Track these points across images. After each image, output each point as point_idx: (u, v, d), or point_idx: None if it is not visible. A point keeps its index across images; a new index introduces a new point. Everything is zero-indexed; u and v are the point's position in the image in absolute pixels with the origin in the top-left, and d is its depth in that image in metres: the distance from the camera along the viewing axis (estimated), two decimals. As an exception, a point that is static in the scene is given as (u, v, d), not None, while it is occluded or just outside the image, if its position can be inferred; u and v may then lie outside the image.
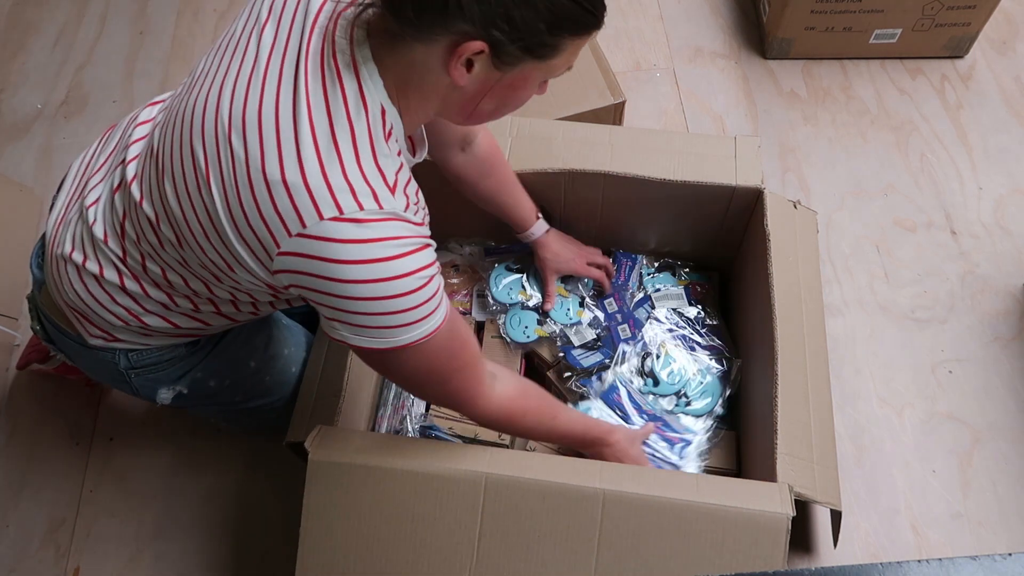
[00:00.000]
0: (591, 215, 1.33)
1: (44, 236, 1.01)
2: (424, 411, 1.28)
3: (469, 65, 0.73)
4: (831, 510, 1.02)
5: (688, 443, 1.20)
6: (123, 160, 0.91)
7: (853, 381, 1.41)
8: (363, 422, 1.18)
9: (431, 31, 0.71)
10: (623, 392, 1.23)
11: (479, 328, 1.37)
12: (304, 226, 0.72)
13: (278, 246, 0.74)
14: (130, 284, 0.91)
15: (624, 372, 1.25)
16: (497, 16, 0.69)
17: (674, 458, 1.18)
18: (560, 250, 1.30)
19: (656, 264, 1.40)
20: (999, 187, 1.63)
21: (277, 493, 1.32)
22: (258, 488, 1.34)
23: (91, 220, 0.92)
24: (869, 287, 1.52)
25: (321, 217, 0.71)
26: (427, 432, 1.23)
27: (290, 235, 0.73)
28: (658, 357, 1.26)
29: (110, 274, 0.91)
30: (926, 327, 1.47)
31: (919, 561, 0.61)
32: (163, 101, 0.96)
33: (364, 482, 0.94)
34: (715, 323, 1.33)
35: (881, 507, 1.29)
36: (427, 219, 0.85)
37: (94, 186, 0.95)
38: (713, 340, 1.31)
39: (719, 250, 1.37)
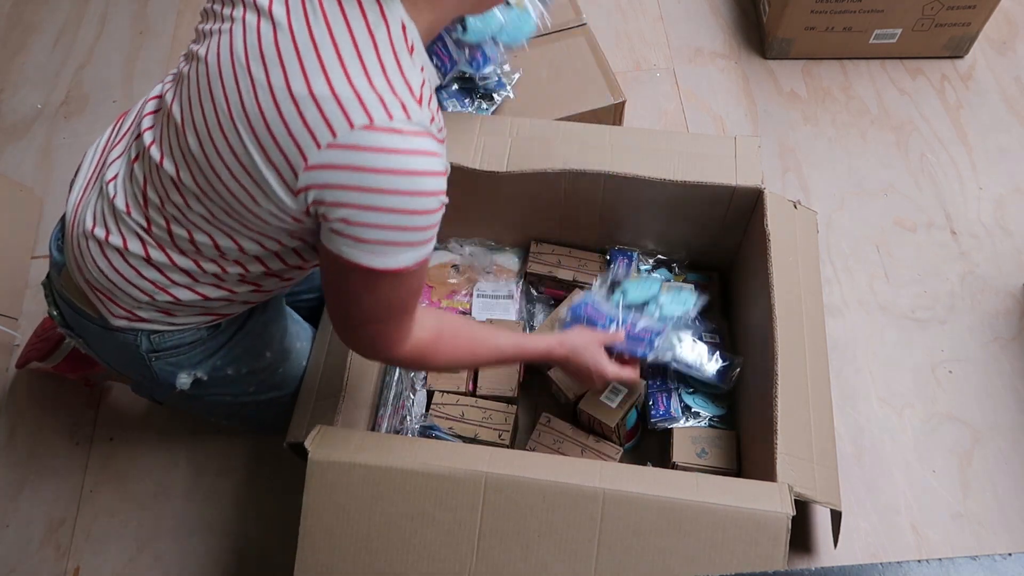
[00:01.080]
0: (591, 215, 1.33)
1: (63, 219, 1.01)
2: (424, 411, 1.28)
3: None
4: (831, 510, 1.02)
5: (659, 334, 1.18)
6: (138, 133, 0.91)
7: (853, 381, 1.41)
8: (363, 422, 1.18)
9: None
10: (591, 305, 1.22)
11: (479, 328, 1.37)
12: (334, 136, 0.72)
13: (306, 161, 0.74)
14: (155, 254, 0.91)
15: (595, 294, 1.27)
16: None
17: (644, 349, 1.17)
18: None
19: (651, 261, 1.40)
20: (999, 187, 1.63)
21: (277, 493, 1.32)
22: (258, 488, 1.34)
23: (112, 194, 0.92)
24: (869, 287, 1.52)
25: (352, 126, 0.71)
26: (427, 432, 1.23)
27: (319, 147, 0.73)
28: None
29: (134, 246, 0.91)
30: (926, 327, 1.47)
31: (919, 561, 0.61)
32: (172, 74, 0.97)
33: (364, 482, 0.94)
34: (714, 326, 1.33)
35: (881, 507, 1.29)
36: (444, 140, 0.85)
37: (112, 162, 0.95)
38: (715, 339, 1.31)
39: (719, 250, 1.37)
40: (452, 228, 1.45)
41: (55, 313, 1.06)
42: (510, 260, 1.45)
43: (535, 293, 1.44)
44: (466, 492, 0.93)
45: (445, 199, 0.78)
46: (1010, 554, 0.61)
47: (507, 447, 1.23)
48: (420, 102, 0.76)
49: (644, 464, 1.22)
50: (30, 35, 1.95)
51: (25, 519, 1.32)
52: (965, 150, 1.69)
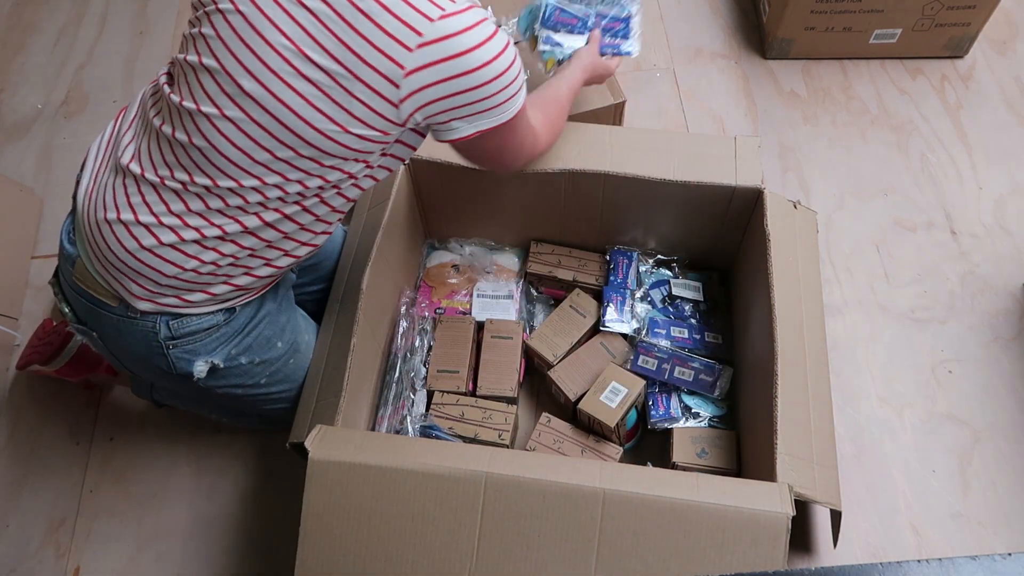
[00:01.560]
0: (591, 215, 1.33)
1: (74, 211, 1.00)
2: (424, 411, 1.28)
3: None
4: (831, 510, 1.02)
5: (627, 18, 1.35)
6: (158, 100, 0.92)
7: (853, 381, 1.41)
8: (363, 422, 1.18)
9: None
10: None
11: (479, 327, 1.37)
12: (420, 34, 0.79)
13: (403, 68, 0.80)
14: (193, 221, 0.92)
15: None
16: None
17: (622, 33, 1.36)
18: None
19: (651, 261, 1.40)
20: (999, 187, 1.63)
21: (277, 492, 1.32)
22: (258, 487, 1.34)
23: (138, 171, 0.92)
24: (869, 287, 1.52)
25: (431, 19, 0.79)
26: (427, 432, 1.23)
27: (411, 50, 0.79)
28: None
29: (168, 219, 0.91)
30: (926, 327, 1.47)
31: (919, 561, 0.61)
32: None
33: (364, 482, 0.94)
34: (718, 327, 1.33)
35: (881, 507, 1.29)
36: None
37: (127, 146, 0.95)
38: (717, 338, 1.31)
39: (719, 250, 1.37)
40: (452, 228, 1.45)
41: (67, 310, 1.06)
42: (510, 260, 1.45)
43: (535, 293, 1.44)
44: (466, 492, 0.93)
45: (511, 47, 0.87)
46: (1010, 554, 0.61)
47: (507, 447, 1.23)
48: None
49: (644, 464, 1.22)
50: (30, 35, 1.95)
51: (25, 519, 1.32)
52: (965, 150, 1.69)
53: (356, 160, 0.90)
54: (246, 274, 0.99)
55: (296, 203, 0.93)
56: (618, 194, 1.26)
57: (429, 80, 0.81)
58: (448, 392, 1.28)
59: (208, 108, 0.86)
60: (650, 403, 1.27)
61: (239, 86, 0.84)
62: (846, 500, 1.23)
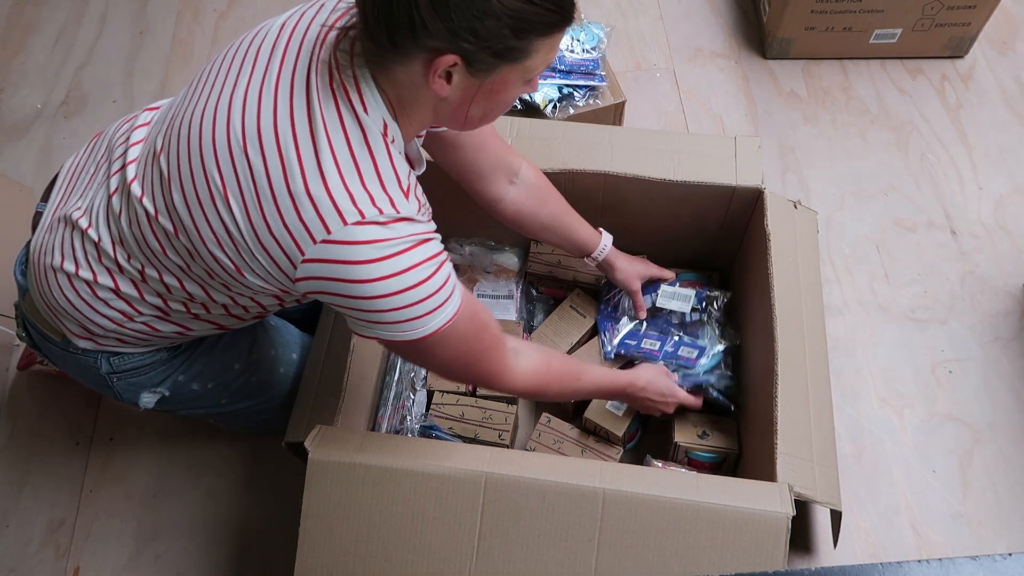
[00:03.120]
0: (591, 215, 1.33)
1: (29, 244, 1.02)
2: (424, 411, 1.28)
3: (448, 77, 0.76)
4: (831, 510, 1.02)
5: (702, 351, 1.25)
6: (123, 165, 0.91)
7: (853, 381, 1.41)
8: (363, 422, 1.18)
9: (405, 50, 0.74)
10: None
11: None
12: (329, 232, 0.76)
13: (303, 254, 0.77)
14: (126, 288, 0.92)
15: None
16: (461, 29, 0.71)
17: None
18: (629, 260, 1.31)
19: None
20: (999, 187, 1.63)
21: (277, 493, 1.32)
22: (258, 488, 1.34)
23: (85, 225, 0.92)
24: (869, 287, 1.52)
25: (345, 223, 0.75)
26: (427, 432, 1.23)
27: (315, 242, 0.76)
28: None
29: (104, 279, 0.91)
30: (926, 327, 1.47)
31: (919, 561, 0.61)
32: (158, 108, 0.97)
33: (364, 482, 0.94)
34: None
35: (881, 507, 1.29)
36: (431, 217, 0.88)
37: (83, 193, 0.95)
38: (692, 353, 1.30)
39: (719, 250, 1.37)
40: (452, 228, 1.45)
41: (23, 334, 1.07)
42: (510, 260, 1.45)
43: (535, 293, 1.44)
44: (466, 492, 0.93)
45: (441, 258, 0.82)
46: (1010, 554, 0.61)
47: (507, 447, 1.23)
48: (407, 194, 0.80)
49: (644, 457, 1.22)
50: (30, 35, 1.95)
51: (25, 519, 1.32)
52: (965, 150, 1.69)
53: (267, 295, 0.90)
54: (186, 331, 1.00)
55: (221, 304, 0.94)
56: (618, 194, 1.26)
57: (320, 274, 0.78)
58: (448, 392, 1.28)
59: (148, 205, 0.86)
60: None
61: (172, 199, 0.83)
62: (846, 500, 1.23)
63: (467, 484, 0.93)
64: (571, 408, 1.29)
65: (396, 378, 1.29)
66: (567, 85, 1.51)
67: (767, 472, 1.00)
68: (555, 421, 1.26)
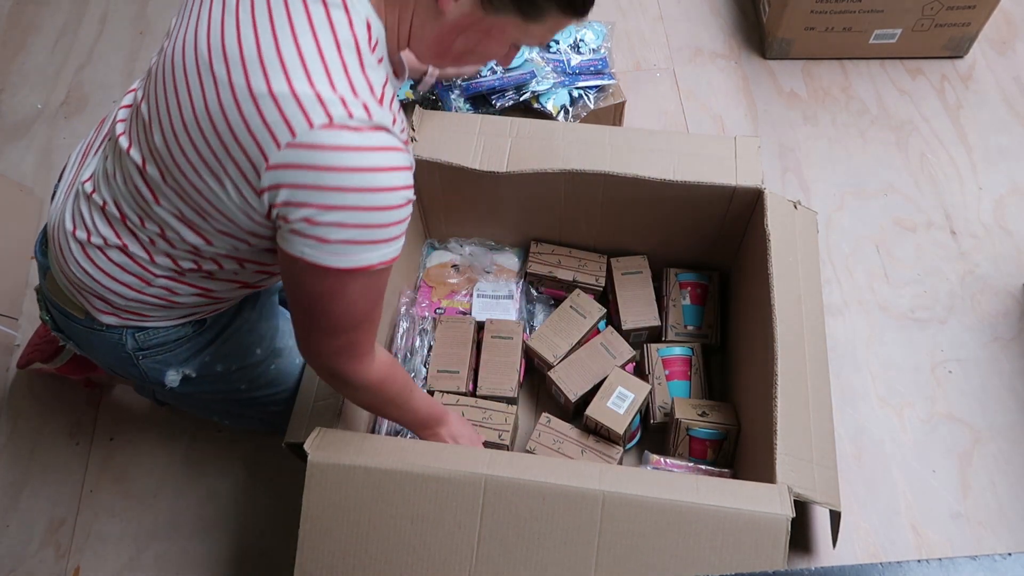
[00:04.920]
0: (591, 215, 1.33)
1: (47, 224, 1.02)
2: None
3: None
4: (831, 510, 1.02)
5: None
6: (113, 125, 0.91)
7: (853, 381, 1.41)
8: (363, 424, 1.18)
9: None
10: None
11: (479, 327, 1.37)
12: (294, 135, 0.71)
13: (267, 160, 0.73)
14: (135, 249, 0.91)
15: None
16: None
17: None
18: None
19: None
20: (999, 187, 1.63)
21: (277, 493, 1.32)
22: (258, 488, 1.34)
23: (90, 190, 0.92)
24: (869, 287, 1.52)
25: (311, 125, 0.71)
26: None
27: (279, 147, 0.72)
28: None
29: (114, 242, 0.91)
30: (926, 327, 1.47)
31: (919, 561, 0.61)
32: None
33: (363, 484, 0.94)
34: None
35: (881, 507, 1.29)
36: (410, 141, 0.85)
37: (90, 163, 0.96)
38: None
39: (719, 250, 1.37)
40: (452, 228, 1.45)
41: (47, 317, 1.07)
42: (510, 260, 1.45)
43: (535, 293, 1.44)
44: (466, 494, 0.93)
45: (411, 195, 0.78)
46: (1010, 554, 0.61)
47: (507, 447, 1.23)
48: (381, 101, 0.75)
49: (642, 452, 1.22)
50: (30, 35, 1.95)
51: (25, 519, 1.32)
52: (965, 150, 1.69)
53: (257, 236, 0.87)
54: (205, 295, 0.99)
55: (225, 255, 0.91)
56: (618, 194, 1.26)
57: (284, 181, 0.74)
58: (448, 392, 1.28)
59: (135, 155, 0.86)
60: None
61: (154, 141, 0.83)
62: (846, 500, 1.24)
63: (467, 486, 0.93)
64: (571, 407, 1.29)
65: (396, 378, 1.29)
66: (577, 88, 1.51)
67: (767, 473, 1.00)
68: (555, 421, 1.26)
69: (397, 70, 0.88)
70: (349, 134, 0.72)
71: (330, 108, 0.71)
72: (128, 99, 0.94)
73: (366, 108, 0.73)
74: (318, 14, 0.73)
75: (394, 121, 0.77)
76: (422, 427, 1.08)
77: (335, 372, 0.91)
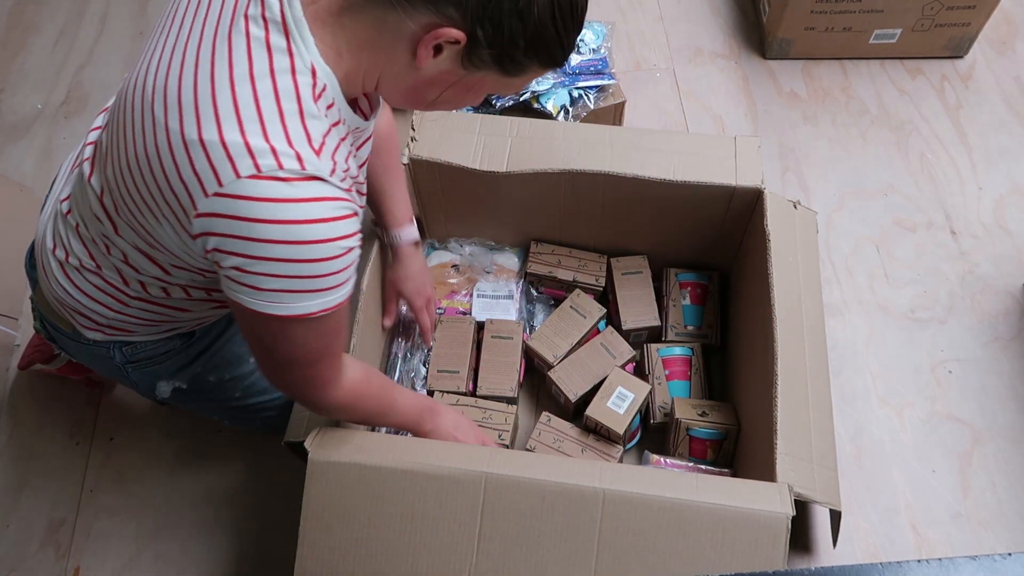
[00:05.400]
0: (591, 215, 1.33)
1: (35, 238, 1.02)
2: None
3: (437, 51, 0.72)
4: (831, 510, 1.02)
5: None
6: (82, 155, 0.92)
7: (853, 381, 1.41)
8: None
9: (416, 4, 0.69)
10: None
11: (479, 327, 1.37)
12: (221, 184, 0.69)
13: (195, 208, 0.71)
14: (108, 272, 0.91)
15: None
16: (488, 16, 0.68)
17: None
18: (416, 274, 1.23)
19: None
20: (999, 187, 1.63)
21: (277, 493, 1.32)
22: (258, 488, 1.34)
23: (66, 211, 0.93)
24: (869, 287, 1.52)
25: (238, 175, 0.69)
26: (427, 432, 1.23)
27: (206, 195, 0.70)
28: None
29: (88, 264, 0.92)
30: (926, 327, 1.47)
31: (919, 561, 0.61)
32: None
33: (363, 482, 0.94)
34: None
35: (881, 507, 1.29)
36: (358, 189, 0.82)
37: (70, 178, 0.96)
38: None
39: (719, 250, 1.37)
40: (452, 228, 1.45)
41: (39, 327, 1.07)
42: (510, 260, 1.45)
43: (535, 293, 1.44)
44: (466, 493, 0.93)
45: (353, 243, 0.75)
46: (1010, 554, 0.61)
47: (507, 447, 1.23)
48: (319, 152, 0.72)
49: (642, 452, 1.22)
50: (30, 35, 1.95)
51: (25, 519, 1.32)
52: (965, 150, 1.69)
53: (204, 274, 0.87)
54: (184, 312, 0.98)
55: (177, 286, 0.91)
56: (618, 194, 1.26)
57: (212, 229, 0.72)
58: (448, 392, 1.28)
59: (96, 183, 0.86)
60: None
61: (107, 173, 0.82)
62: (846, 500, 1.23)
63: (467, 484, 0.93)
64: (571, 407, 1.29)
65: (396, 378, 1.29)
66: (577, 88, 1.51)
67: (767, 472, 1.00)
68: (555, 420, 1.26)
69: (364, 110, 0.86)
70: (277, 185, 0.69)
71: (259, 158, 0.69)
72: (100, 120, 0.93)
73: (299, 158, 0.70)
74: (260, 59, 0.71)
75: (333, 171, 0.74)
76: (416, 426, 1.07)
77: (301, 399, 0.91)
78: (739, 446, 1.21)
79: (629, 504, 0.91)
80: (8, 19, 1.98)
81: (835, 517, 1.03)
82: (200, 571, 1.27)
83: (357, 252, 0.77)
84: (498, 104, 1.45)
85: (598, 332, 1.36)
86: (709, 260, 1.41)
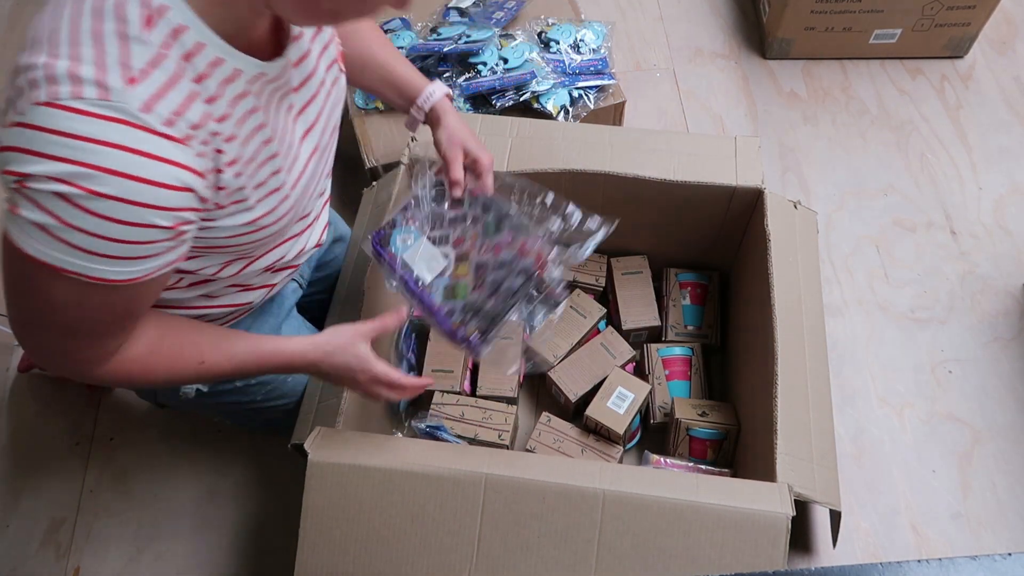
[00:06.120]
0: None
1: None
2: (425, 411, 1.28)
3: None
4: (831, 510, 1.02)
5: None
6: None
7: (853, 381, 1.41)
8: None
9: None
10: None
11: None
12: (17, 112, 0.61)
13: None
14: None
15: None
16: None
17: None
18: (461, 120, 1.07)
19: None
20: (999, 187, 1.64)
21: (277, 493, 1.32)
22: (258, 488, 1.34)
23: None
24: (869, 287, 1.52)
25: (36, 102, 0.61)
26: (432, 432, 1.23)
27: (4, 125, 0.63)
28: None
29: None
30: (926, 327, 1.47)
31: (919, 561, 0.61)
32: None
33: (363, 483, 0.94)
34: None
35: (881, 507, 1.29)
36: (218, 152, 0.69)
37: None
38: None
39: (719, 250, 1.37)
40: (452, 228, 1.45)
41: None
42: (510, 260, 1.44)
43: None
44: (466, 493, 0.93)
45: (160, 217, 0.64)
46: (1010, 554, 0.61)
47: (507, 447, 1.23)
48: (134, 81, 0.62)
49: (642, 452, 1.22)
50: (30, 35, 1.95)
51: (25, 519, 1.32)
52: (965, 150, 1.69)
53: None
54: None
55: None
56: (618, 194, 1.26)
57: (5, 162, 0.62)
58: (448, 392, 1.28)
59: None
60: None
61: None
62: (846, 500, 1.24)
63: (467, 485, 0.93)
64: (571, 408, 1.29)
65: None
66: (577, 88, 1.51)
67: (767, 473, 1.00)
68: (555, 420, 1.26)
69: (263, 47, 0.74)
70: (70, 119, 0.60)
71: (59, 86, 0.60)
72: None
73: (103, 86, 0.61)
74: None
75: (148, 106, 0.62)
76: (281, 370, 0.92)
77: (57, 369, 0.80)
78: (739, 446, 1.21)
79: (629, 504, 0.91)
80: (8, 19, 1.98)
81: (835, 517, 1.03)
82: (200, 571, 1.27)
83: (166, 233, 0.66)
84: (498, 104, 1.45)
85: (598, 332, 1.36)
86: (709, 260, 1.41)
